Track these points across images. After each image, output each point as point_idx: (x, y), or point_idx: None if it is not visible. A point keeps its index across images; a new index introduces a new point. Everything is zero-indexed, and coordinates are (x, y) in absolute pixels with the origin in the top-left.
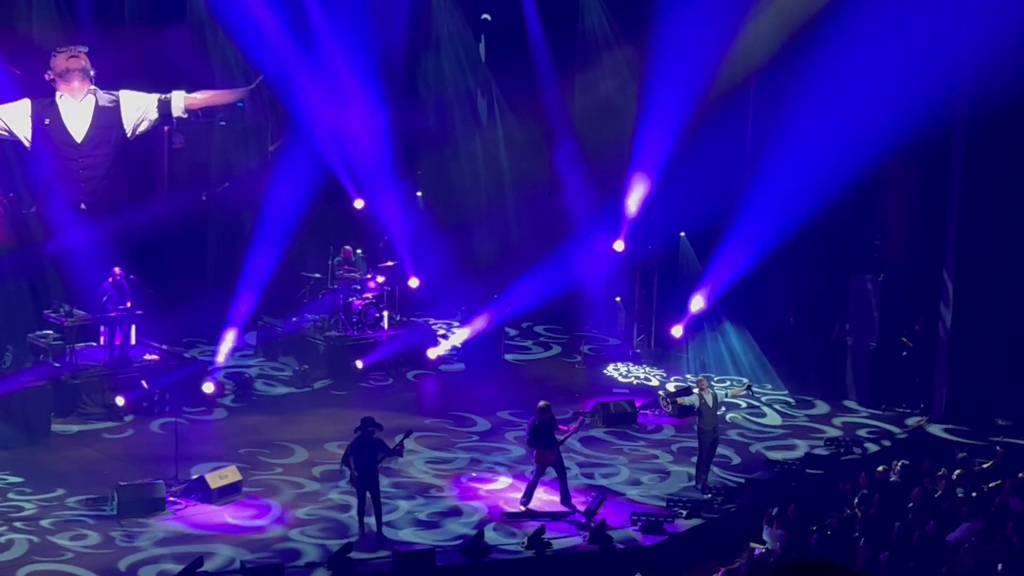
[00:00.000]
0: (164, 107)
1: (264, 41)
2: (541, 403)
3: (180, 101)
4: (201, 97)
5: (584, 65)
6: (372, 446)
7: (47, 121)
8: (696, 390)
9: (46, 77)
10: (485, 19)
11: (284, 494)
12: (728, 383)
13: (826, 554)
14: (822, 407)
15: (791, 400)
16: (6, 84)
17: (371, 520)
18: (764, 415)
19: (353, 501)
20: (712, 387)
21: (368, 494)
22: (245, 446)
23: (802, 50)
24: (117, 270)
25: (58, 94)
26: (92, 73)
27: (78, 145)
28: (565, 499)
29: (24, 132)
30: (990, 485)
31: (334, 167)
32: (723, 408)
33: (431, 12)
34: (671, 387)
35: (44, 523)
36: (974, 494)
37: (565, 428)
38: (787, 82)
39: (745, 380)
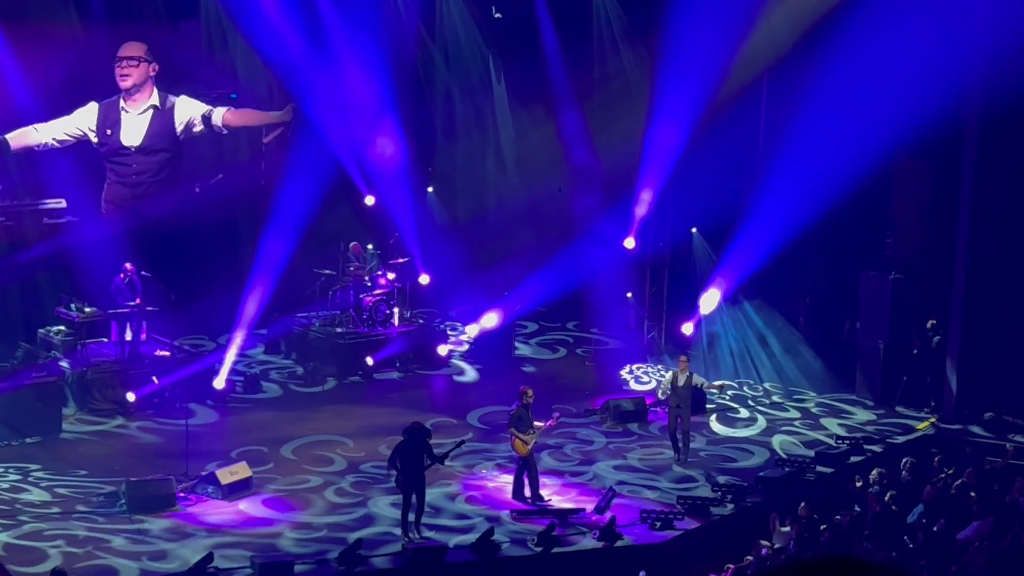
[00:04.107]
0: (206, 120)
1: (275, 37)
2: (526, 390)
3: (219, 117)
4: (237, 118)
5: (596, 62)
6: (419, 450)
7: (109, 132)
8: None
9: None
10: (496, 16)
11: (294, 490)
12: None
13: (837, 552)
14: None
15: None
16: (14, 77)
17: (411, 521)
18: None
19: (355, 496)
20: (690, 369)
21: (413, 496)
22: (254, 443)
23: (814, 47)
24: (129, 266)
25: (121, 104)
26: (154, 72)
27: (134, 152)
28: (533, 492)
29: (92, 136)
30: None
31: (345, 163)
32: (714, 391)
33: (442, 8)
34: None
35: (54, 517)
36: (984, 492)
37: (539, 424)
38: (799, 79)
39: (727, 382)
